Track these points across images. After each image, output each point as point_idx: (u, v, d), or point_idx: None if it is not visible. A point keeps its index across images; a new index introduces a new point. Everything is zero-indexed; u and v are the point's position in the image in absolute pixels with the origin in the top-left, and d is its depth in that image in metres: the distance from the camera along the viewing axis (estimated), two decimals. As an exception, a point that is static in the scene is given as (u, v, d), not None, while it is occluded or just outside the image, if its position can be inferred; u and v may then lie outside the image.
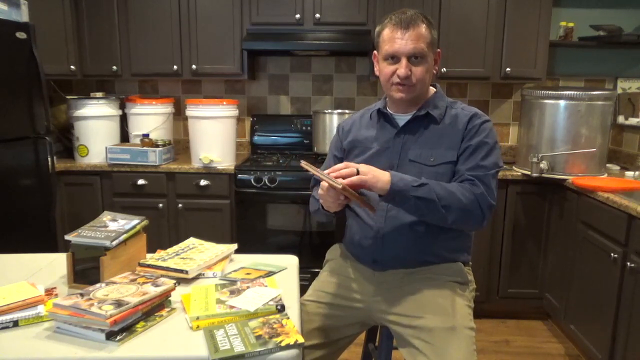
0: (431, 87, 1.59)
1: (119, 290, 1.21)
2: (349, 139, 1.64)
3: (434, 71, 1.52)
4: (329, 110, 3.19)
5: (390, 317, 1.48)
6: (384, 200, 1.38)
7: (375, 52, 1.54)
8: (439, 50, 1.53)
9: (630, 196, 2.23)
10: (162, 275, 1.37)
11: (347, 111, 3.17)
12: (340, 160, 1.66)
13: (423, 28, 1.44)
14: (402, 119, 1.55)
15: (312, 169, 1.32)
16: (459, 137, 1.49)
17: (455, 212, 1.39)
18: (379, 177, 1.35)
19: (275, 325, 1.16)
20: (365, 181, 1.33)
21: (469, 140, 1.48)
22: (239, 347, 1.06)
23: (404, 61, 1.44)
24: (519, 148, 3.00)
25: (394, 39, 1.44)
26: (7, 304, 1.18)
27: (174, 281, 1.29)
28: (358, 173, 1.33)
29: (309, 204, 1.68)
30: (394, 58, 1.45)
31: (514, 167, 2.97)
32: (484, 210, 1.42)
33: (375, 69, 1.56)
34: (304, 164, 1.35)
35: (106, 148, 2.97)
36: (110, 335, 1.09)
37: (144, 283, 1.26)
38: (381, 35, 1.49)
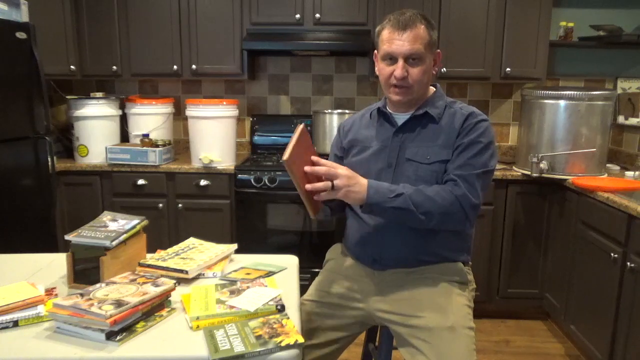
0: (431, 87, 1.59)
1: (119, 290, 1.21)
2: (349, 138, 1.64)
3: (434, 72, 1.52)
4: (329, 110, 3.19)
5: (389, 317, 1.48)
6: (363, 211, 1.40)
7: (375, 51, 1.55)
8: (438, 51, 1.52)
9: (630, 196, 2.23)
10: (162, 275, 1.38)
11: (347, 111, 3.17)
12: (341, 160, 1.66)
13: (421, 29, 1.44)
14: (401, 118, 1.56)
15: (295, 135, 1.32)
16: (454, 136, 1.49)
17: (435, 217, 1.40)
18: (353, 193, 1.34)
19: (275, 325, 1.16)
20: (336, 196, 1.34)
21: (462, 138, 1.48)
22: (239, 347, 1.06)
23: (400, 62, 1.44)
24: (519, 148, 3.00)
25: (392, 39, 1.44)
26: (7, 304, 1.18)
27: (174, 281, 1.29)
28: (333, 187, 1.32)
29: None
30: (391, 59, 1.46)
31: (514, 167, 2.97)
32: (466, 211, 1.42)
33: (375, 69, 1.56)
34: (301, 127, 1.35)
35: (106, 148, 2.97)
36: (110, 335, 1.09)
37: (144, 283, 1.26)
38: (380, 36, 1.49)
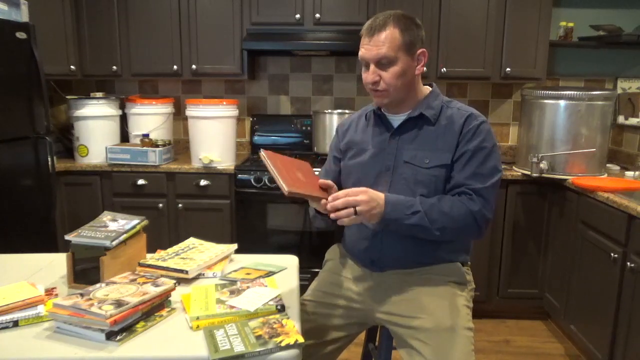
0: (426, 87, 1.57)
1: (119, 290, 1.21)
2: (346, 140, 1.63)
3: (417, 72, 1.49)
4: (329, 110, 3.19)
5: (388, 318, 1.48)
6: (378, 227, 1.41)
7: None
8: (422, 50, 1.48)
9: (630, 196, 2.23)
10: (162, 275, 1.38)
11: (347, 111, 3.17)
12: (339, 161, 1.66)
13: (391, 31, 1.41)
14: (396, 120, 1.54)
15: (268, 163, 1.28)
16: (455, 140, 1.47)
17: (449, 232, 1.41)
18: (374, 214, 1.35)
19: (275, 325, 1.16)
20: (358, 221, 1.34)
21: (465, 144, 1.46)
22: (239, 347, 1.06)
23: (371, 67, 1.44)
24: (519, 148, 3.00)
25: (363, 45, 1.45)
26: (7, 304, 1.18)
27: (174, 281, 1.29)
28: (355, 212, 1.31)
29: (309, 209, 1.68)
30: (366, 64, 1.46)
31: (514, 167, 2.97)
32: (480, 225, 1.43)
33: None
34: (263, 154, 1.31)
35: (106, 148, 2.97)
36: (110, 335, 1.09)
37: (144, 283, 1.26)
38: (360, 42, 1.49)
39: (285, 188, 1.23)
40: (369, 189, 1.35)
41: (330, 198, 1.33)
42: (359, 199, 1.32)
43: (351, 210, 1.31)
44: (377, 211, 1.35)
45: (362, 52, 1.45)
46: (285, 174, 1.28)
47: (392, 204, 1.37)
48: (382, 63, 1.43)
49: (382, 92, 1.46)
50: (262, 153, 1.31)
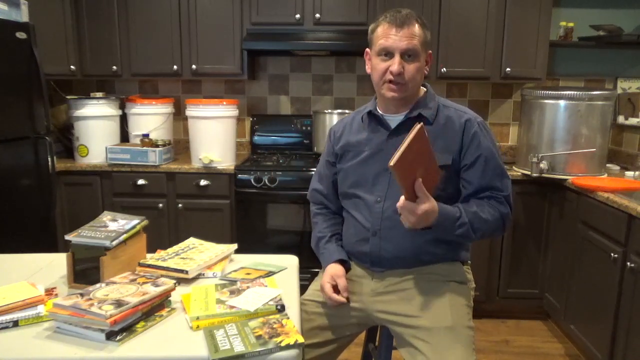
0: (421, 87, 1.58)
1: (119, 290, 1.21)
2: (341, 144, 1.62)
3: (425, 72, 1.51)
4: (329, 110, 3.19)
5: (389, 317, 1.48)
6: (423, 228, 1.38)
7: (367, 49, 1.54)
8: (430, 51, 1.52)
9: (630, 196, 2.23)
10: (162, 275, 1.38)
11: (347, 111, 3.16)
12: (333, 165, 1.65)
13: (417, 27, 1.44)
14: (393, 120, 1.54)
15: (409, 137, 1.24)
16: (457, 142, 1.47)
17: (484, 236, 1.45)
18: (421, 221, 1.31)
19: (275, 325, 1.16)
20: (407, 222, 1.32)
21: (476, 148, 1.46)
22: (239, 347, 1.06)
23: (397, 57, 1.43)
24: (519, 148, 3.00)
25: (389, 35, 1.43)
26: (7, 304, 1.18)
27: (174, 281, 1.29)
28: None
29: (311, 238, 1.70)
30: (387, 54, 1.45)
31: (514, 167, 2.97)
32: (506, 227, 1.48)
33: (367, 68, 1.56)
34: (418, 127, 1.27)
35: (106, 148, 2.97)
36: (110, 335, 1.10)
37: (144, 283, 1.26)
38: (375, 32, 1.48)
39: (391, 162, 1.22)
40: (432, 200, 1.31)
41: (401, 201, 1.31)
42: (418, 212, 1.29)
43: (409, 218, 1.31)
44: (431, 217, 1.33)
45: (389, 41, 1.43)
46: (407, 156, 1.24)
47: (443, 216, 1.36)
48: (408, 55, 1.43)
49: (402, 86, 1.45)
50: (418, 126, 1.28)
